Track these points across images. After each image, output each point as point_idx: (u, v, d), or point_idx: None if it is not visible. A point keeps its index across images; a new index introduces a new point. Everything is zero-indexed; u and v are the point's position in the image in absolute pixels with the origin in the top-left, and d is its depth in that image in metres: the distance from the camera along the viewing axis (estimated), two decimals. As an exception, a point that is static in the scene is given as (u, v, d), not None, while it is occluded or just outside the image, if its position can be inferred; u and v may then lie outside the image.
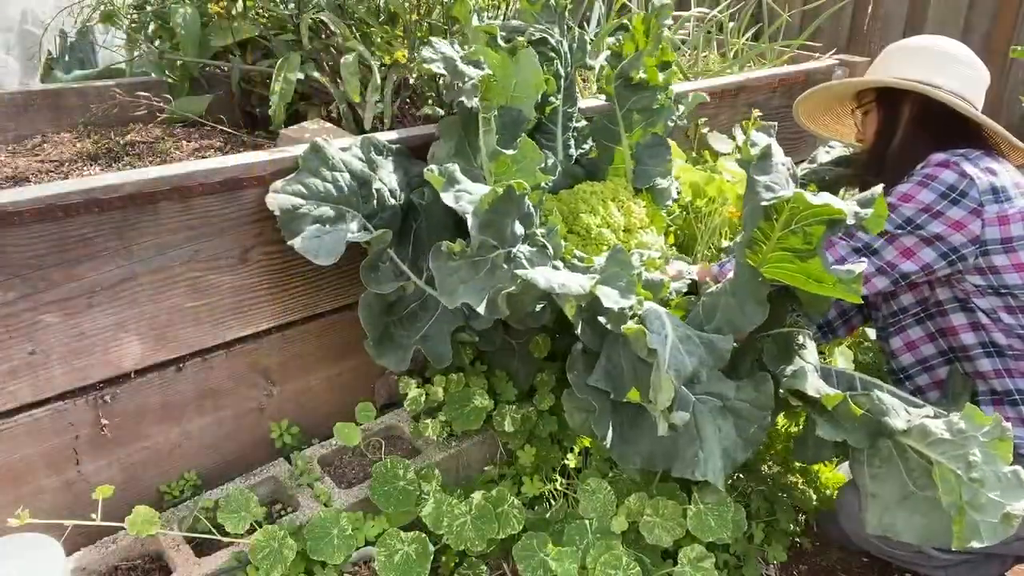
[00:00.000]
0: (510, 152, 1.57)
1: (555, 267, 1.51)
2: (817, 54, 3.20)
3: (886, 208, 1.32)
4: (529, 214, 1.52)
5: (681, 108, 2.07)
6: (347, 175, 1.65)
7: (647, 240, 1.89)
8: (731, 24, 3.30)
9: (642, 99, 1.96)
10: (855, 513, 1.72)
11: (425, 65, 1.73)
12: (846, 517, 1.75)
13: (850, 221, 1.27)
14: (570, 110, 2.04)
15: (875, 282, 1.64)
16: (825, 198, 1.25)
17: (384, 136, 1.83)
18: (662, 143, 2.01)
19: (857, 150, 2.10)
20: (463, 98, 1.69)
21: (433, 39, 1.80)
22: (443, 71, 1.72)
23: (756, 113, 2.63)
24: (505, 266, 1.43)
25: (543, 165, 1.63)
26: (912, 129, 1.76)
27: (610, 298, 1.34)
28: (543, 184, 1.66)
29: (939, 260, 1.59)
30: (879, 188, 1.34)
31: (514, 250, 1.45)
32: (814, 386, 1.47)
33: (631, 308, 1.36)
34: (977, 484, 1.32)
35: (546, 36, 1.98)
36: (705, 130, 2.56)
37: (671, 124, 2.03)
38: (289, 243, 1.54)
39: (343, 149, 1.68)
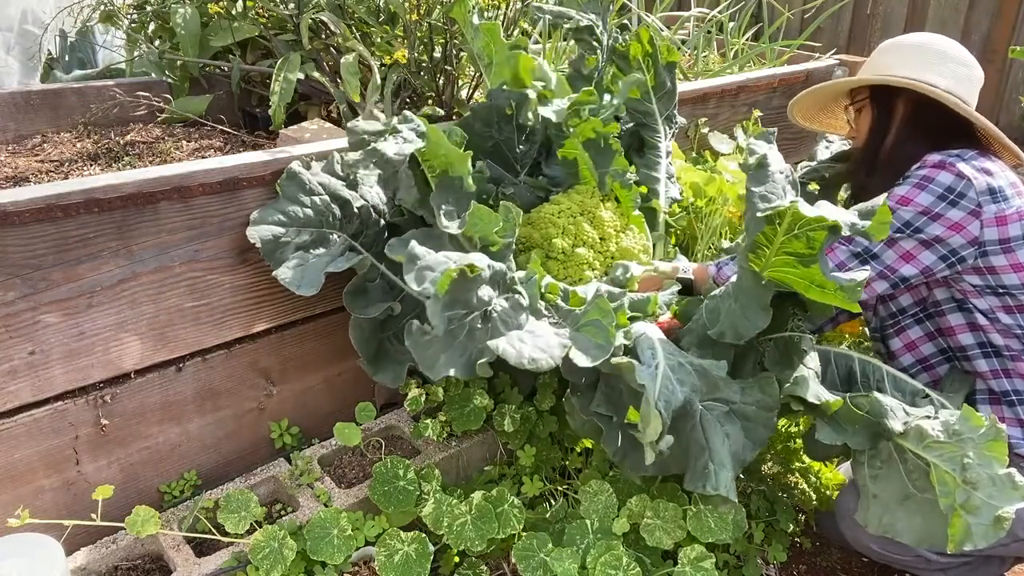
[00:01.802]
0: (455, 230, 1.55)
1: (537, 312, 1.50)
2: (817, 54, 3.20)
3: (889, 216, 1.31)
4: (497, 271, 1.47)
5: (612, 101, 2.00)
6: (326, 197, 1.65)
7: (627, 245, 1.88)
8: (731, 24, 3.30)
9: (570, 114, 1.93)
10: (853, 518, 1.72)
11: (354, 173, 1.61)
12: (845, 522, 1.75)
13: (845, 232, 1.26)
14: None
15: (874, 286, 1.63)
16: (821, 209, 1.24)
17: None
18: (606, 144, 1.96)
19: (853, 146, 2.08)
20: (402, 195, 1.64)
21: (350, 124, 1.65)
22: (375, 171, 1.59)
23: (756, 113, 2.64)
24: (480, 326, 1.40)
25: (498, 226, 1.59)
26: (905, 127, 1.74)
27: (585, 357, 1.34)
28: (504, 240, 1.62)
29: (939, 263, 1.58)
30: (882, 198, 1.33)
31: (489, 308, 1.42)
32: (815, 392, 1.47)
33: (613, 354, 1.35)
34: (970, 486, 1.32)
35: (593, 25, 1.96)
36: (705, 130, 2.56)
37: (603, 121, 1.97)
38: (273, 274, 1.55)
39: (322, 165, 1.66)
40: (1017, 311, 1.59)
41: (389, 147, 1.54)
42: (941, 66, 1.72)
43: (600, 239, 1.85)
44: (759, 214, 1.32)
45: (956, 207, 1.55)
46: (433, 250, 1.37)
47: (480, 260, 1.37)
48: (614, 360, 1.33)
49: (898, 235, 1.58)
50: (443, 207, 1.62)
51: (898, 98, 1.74)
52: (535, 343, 1.39)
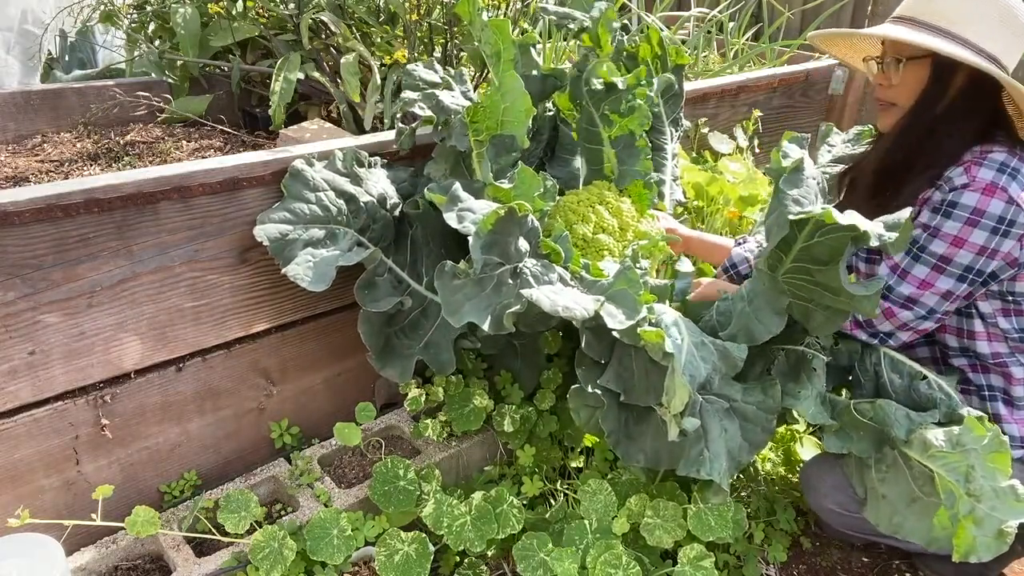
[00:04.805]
0: (507, 186, 1.56)
1: (563, 279, 1.50)
2: (817, 54, 3.20)
3: (911, 230, 1.27)
4: (534, 229, 1.51)
5: (650, 102, 2.04)
6: (331, 193, 1.65)
7: (644, 229, 1.89)
8: (731, 24, 3.30)
9: (611, 102, 1.95)
10: (819, 486, 1.73)
11: (409, 109, 1.67)
12: (811, 491, 1.77)
13: (874, 243, 1.23)
14: None
15: (920, 328, 1.57)
16: (852, 217, 1.23)
17: (367, 139, 1.84)
18: (636, 141, 2.00)
19: (852, 140, 2.02)
20: (453, 142, 1.67)
21: (410, 66, 1.74)
22: (427, 112, 1.67)
23: (756, 113, 2.64)
24: (511, 281, 1.41)
25: (540, 191, 1.62)
26: (961, 107, 1.53)
27: (615, 318, 1.34)
28: (544, 209, 1.64)
29: (979, 287, 1.54)
30: (906, 212, 1.28)
31: (520, 265, 1.44)
32: (811, 413, 1.47)
33: (640, 322, 1.34)
34: (974, 498, 1.32)
35: None
36: (705, 130, 2.56)
37: (646, 120, 1.99)
38: (283, 271, 1.56)
39: (324, 164, 1.68)
40: (1016, 315, 1.58)
41: (446, 96, 1.67)
42: (1022, 40, 1.50)
43: (619, 228, 1.86)
44: (791, 216, 1.29)
45: (1008, 237, 1.46)
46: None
47: (526, 204, 1.40)
48: (641, 329, 1.30)
49: (960, 285, 1.49)
50: (492, 164, 1.68)
51: (960, 69, 1.50)
52: (568, 296, 1.40)
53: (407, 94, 1.69)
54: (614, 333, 1.37)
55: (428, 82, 1.72)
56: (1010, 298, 1.56)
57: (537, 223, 1.52)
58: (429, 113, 1.67)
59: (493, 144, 1.71)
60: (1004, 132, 1.54)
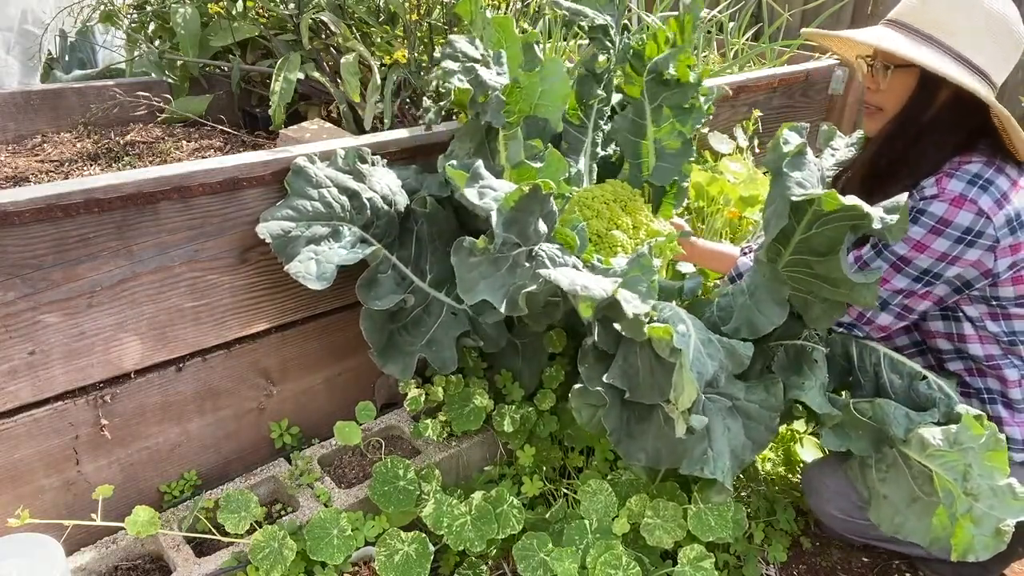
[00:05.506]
0: (537, 165, 1.55)
1: (576, 267, 1.50)
2: (817, 54, 3.20)
3: (908, 217, 1.28)
4: (553, 212, 1.50)
5: (707, 104, 2.05)
6: (334, 189, 1.65)
7: (657, 227, 1.89)
8: (731, 24, 3.30)
9: (674, 95, 1.96)
10: (822, 491, 1.74)
11: (447, 80, 1.67)
12: (813, 495, 1.78)
13: (876, 225, 1.23)
14: (605, 108, 2.06)
15: (892, 328, 1.60)
16: (854, 199, 1.23)
17: (368, 139, 1.84)
18: (688, 143, 2.01)
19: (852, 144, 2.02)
20: (489, 118, 1.67)
21: (452, 37, 1.73)
22: (466, 85, 1.68)
23: (756, 113, 2.64)
24: (527, 264, 1.41)
25: (567, 175, 1.62)
26: (947, 117, 1.54)
27: (631, 303, 1.33)
28: (567, 194, 1.64)
29: (952, 294, 1.56)
30: (903, 197, 1.29)
31: (536, 248, 1.44)
32: (817, 403, 1.47)
33: (649, 313, 1.34)
34: (972, 497, 1.32)
35: (608, 26, 1.97)
36: (705, 130, 2.56)
37: (699, 126, 2.02)
38: (285, 268, 1.56)
39: (326, 163, 1.67)
40: (1003, 318, 1.58)
41: (484, 72, 1.67)
42: (1013, 55, 1.51)
43: (633, 226, 1.86)
44: (794, 198, 1.29)
45: (974, 247, 1.47)
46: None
47: (551, 183, 1.41)
48: (649, 326, 1.30)
49: (916, 284, 1.52)
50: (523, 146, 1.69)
51: (946, 83, 1.50)
52: (587, 276, 1.39)
53: (447, 64, 1.69)
54: (622, 324, 1.37)
55: (469, 56, 1.71)
56: (994, 303, 1.56)
57: (556, 208, 1.52)
58: (467, 86, 1.66)
59: (526, 125, 1.72)
60: (988, 141, 1.54)
